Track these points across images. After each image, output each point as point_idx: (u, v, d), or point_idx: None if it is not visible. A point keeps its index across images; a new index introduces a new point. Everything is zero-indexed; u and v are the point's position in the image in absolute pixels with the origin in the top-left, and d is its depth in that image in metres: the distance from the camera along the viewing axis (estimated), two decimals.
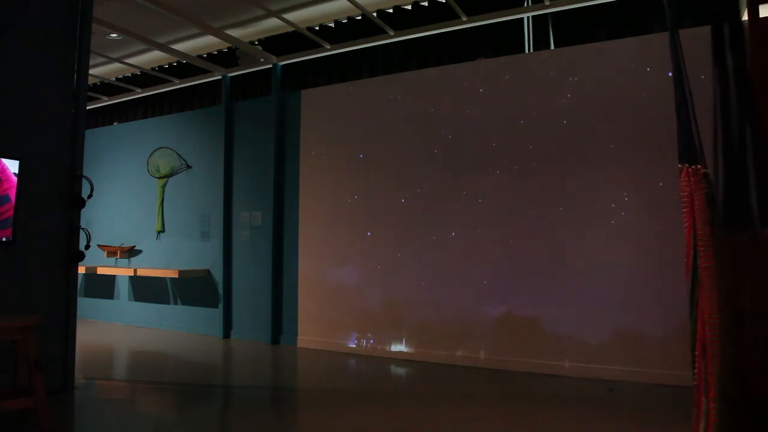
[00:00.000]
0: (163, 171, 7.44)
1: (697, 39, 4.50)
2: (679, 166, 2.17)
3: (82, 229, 4.36)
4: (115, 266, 7.66)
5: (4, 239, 3.52)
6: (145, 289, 7.58)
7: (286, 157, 6.48)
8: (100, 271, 7.52)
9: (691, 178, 2.08)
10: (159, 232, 7.42)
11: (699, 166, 2.10)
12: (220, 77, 7.12)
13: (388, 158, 5.74)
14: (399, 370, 5.15)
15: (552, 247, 4.86)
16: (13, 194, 3.55)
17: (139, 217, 7.61)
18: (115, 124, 8.75)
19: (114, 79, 8.10)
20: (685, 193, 2.11)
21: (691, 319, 2.01)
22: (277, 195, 6.45)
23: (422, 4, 5.93)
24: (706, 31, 4.49)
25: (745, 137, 1.17)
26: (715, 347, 1.90)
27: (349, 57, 6.49)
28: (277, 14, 5.84)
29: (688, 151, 2.15)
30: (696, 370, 1.94)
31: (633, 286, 4.52)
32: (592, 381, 4.47)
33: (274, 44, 6.81)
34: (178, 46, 6.92)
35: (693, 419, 1.99)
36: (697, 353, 1.95)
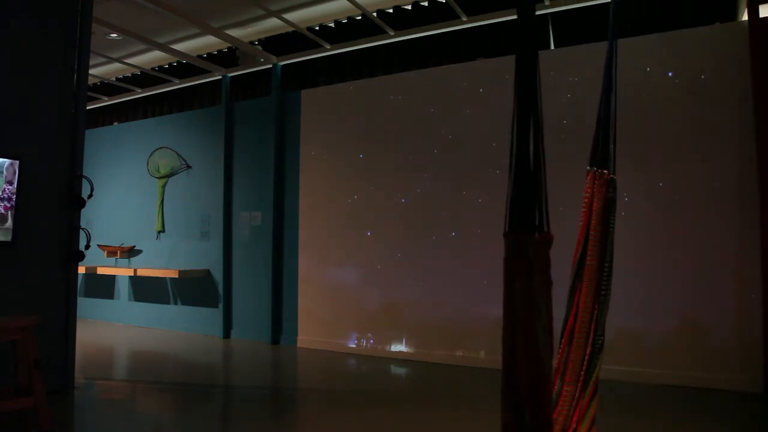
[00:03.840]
0: (163, 171, 7.44)
1: (697, 39, 4.51)
2: (587, 168, 2.32)
3: (82, 229, 4.36)
4: (115, 266, 7.66)
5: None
6: (145, 289, 7.58)
7: (286, 157, 6.48)
8: (100, 271, 7.53)
9: (596, 182, 2.26)
10: (159, 232, 7.43)
11: (605, 172, 2.25)
12: (220, 77, 7.12)
13: (388, 158, 5.74)
14: (399, 370, 5.15)
15: (552, 247, 4.85)
16: None
17: (139, 217, 7.61)
18: (115, 124, 8.75)
19: (114, 79, 8.10)
20: (587, 195, 2.29)
21: (566, 309, 2.21)
22: (277, 195, 6.45)
23: (422, 4, 5.93)
24: (706, 31, 4.51)
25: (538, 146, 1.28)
26: (581, 338, 2.13)
27: (349, 57, 6.48)
28: (277, 14, 5.84)
29: (601, 158, 2.30)
30: (558, 356, 2.15)
31: (633, 287, 4.52)
32: None
33: (274, 44, 6.81)
34: (178, 46, 6.92)
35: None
36: (563, 341, 2.18)
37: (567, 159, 4.90)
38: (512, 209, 1.19)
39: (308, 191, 6.28)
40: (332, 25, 6.44)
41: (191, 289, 7.11)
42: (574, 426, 2.06)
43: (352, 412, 3.81)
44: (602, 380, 4.53)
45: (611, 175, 2.25)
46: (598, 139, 2.37)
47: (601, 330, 2.13)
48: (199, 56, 7.19)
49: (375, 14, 5.86)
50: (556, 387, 2.13)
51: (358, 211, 5.88)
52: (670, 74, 4.56)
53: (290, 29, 6.37)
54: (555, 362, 2.12)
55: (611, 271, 2.17)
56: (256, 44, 6.82)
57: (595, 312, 2.13)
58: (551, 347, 1.33)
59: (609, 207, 2.21)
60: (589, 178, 2.31)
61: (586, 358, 2.11)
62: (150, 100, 8.44)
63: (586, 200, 2.28)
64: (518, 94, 1.21)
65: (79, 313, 4.45)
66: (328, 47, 6.28)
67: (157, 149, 7.52)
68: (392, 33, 5.87)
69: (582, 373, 2.10)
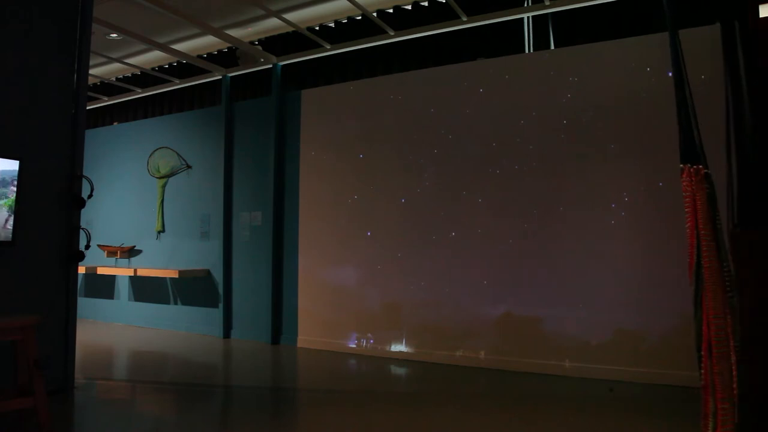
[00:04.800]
0: (163, 171, 7.44)
1: (697, 39, 4.50)
2: (681, 166, 2.18)
3: (82, 229, 4.36)
4: (115, 266, 7.66)
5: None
6: (145, 289, 7.58)
7: (286, 157, 6.48)
8: (100, 271, 7.52)
9: (693, 179, 2.10)
10: (159, 232, 7.42)
11: (700, 167, 2.11)
12: (220, 77, 7.12)
13: (388, 158, 5.74)
14: (399, 370, 5.15)
15: (552, 247, 4.86)
16: None
17: (139, 217, 7.61)
18: (115, 124, 8.75)
19: (114, 79, 8.10)
20: (687, 194, 2.12)
21: (696, 319, 2.01)
22: (277, 195, 6.45)
23: (422, 4, 5.93)
24: (706, 31, 4.51)
25: (758, 136, 1.16)
26: (721, 347, 1.91)
27: (349, 57, 6.48)
28: (277, 14, 5.84)
29: (690, 152, 2.16)
30: (702, 371, 1.94)
31: (633, 286, 4.52)
32: (592, 381, 4.47)
33: (274, 44, 6.81)
34: (178, 46, 6.92)
35: (701, 420, 1.99)
36: (702, 353, 1.95)
37: (566, 159, 4.91)
38: (746, 203, 1.04)
39: (308, 191, 6.28)
40: (332, 25, 6.44)
41: (191, 289, 7.11)
42: None
43: (352, 412, 3.81)
44: (603, 380, 4.54)
45: (706, 170, 2.13)
46: (683, 135, 2.25)
47: (737, 336, 1.97)
48: (199, 56, 7.19)
49: (375, 14, 5.86)
50: (709, 406, 1.94)
51: (358, 211, 5.88)
52: (670, 74, 4.55)
53: (290, 29, 6.37)
54: (701, 381, 1.94)
55: (731, 270, 2.03)
56: (256, 44, 6.82)
57: (728, 316, 1.97)
58: None
59: (712, 203, 2.08)
60: (684, 175, 2.15)
61: (733, 368, 1.92)
62: (150, 100, 8.44)
63: (688, 200, 2.13)
64: (731, 75, 1.09)
65: (79, 313, 4.45)
66: (328, 47, 6.28)
67: (157, 149, 7.52)
68: (392, 33, 5.87)
69: (734, 386, 1.91)
